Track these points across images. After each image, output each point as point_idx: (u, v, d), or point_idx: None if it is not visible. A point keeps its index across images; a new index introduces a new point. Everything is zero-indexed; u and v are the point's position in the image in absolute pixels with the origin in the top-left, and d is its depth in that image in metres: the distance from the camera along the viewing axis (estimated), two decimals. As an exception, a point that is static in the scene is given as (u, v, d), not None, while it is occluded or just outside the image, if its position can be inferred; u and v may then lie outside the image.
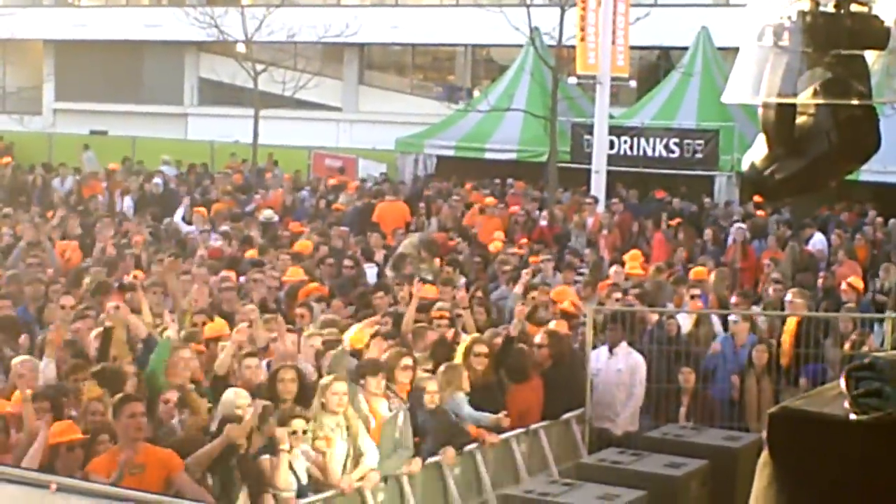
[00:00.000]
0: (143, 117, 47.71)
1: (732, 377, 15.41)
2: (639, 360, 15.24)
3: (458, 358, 13.44)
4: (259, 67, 38.23)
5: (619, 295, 17.55)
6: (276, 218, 26.43)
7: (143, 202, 30.01)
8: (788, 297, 17.30)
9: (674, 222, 25.52)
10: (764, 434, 4.32)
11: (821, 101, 6.19)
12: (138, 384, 11.73)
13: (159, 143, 42.29)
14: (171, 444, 10.65)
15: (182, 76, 50.55)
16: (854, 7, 6.07)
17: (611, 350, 15.26)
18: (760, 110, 6.36)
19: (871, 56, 6.32)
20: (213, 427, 10.87)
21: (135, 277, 17.29)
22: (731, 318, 16.75)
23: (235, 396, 11.13)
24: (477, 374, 13.37)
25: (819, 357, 15.60)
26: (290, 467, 10.65)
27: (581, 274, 20.29)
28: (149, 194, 30.98)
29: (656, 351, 15.64)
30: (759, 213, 27.47)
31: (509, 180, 33.31)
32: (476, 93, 43.05)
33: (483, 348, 13.57)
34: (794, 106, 6.09)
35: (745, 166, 6.42)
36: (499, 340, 14.26)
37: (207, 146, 41.85)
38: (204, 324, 14.43)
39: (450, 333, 14.56)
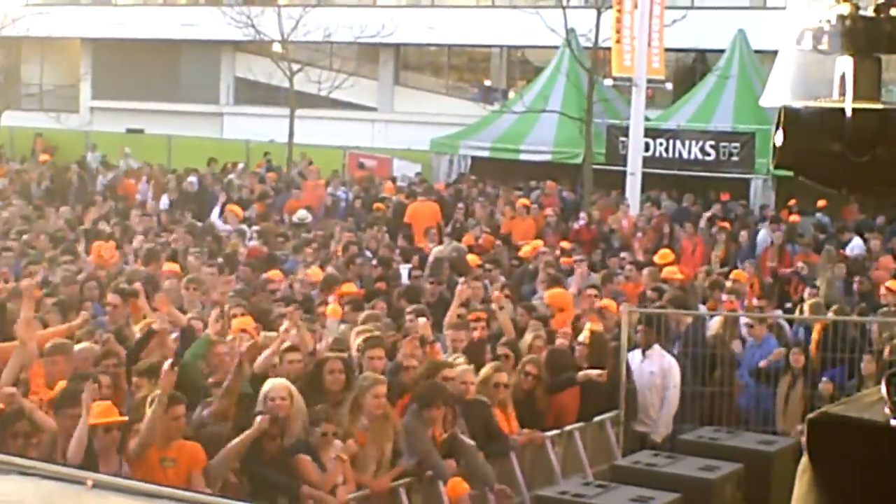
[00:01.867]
0: (179, 116, 47.80)
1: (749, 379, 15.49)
2: (672, 363, 15.21)
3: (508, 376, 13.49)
4: (295, 67, 38.25)
5: (653, 297, 17.61)
6: (309, 218, 26.45)
7: (179, 201, 30.14)
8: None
9: (713, 227, 25.43)
10: (803, 439, 4.31)
11: (870, 105, 6.18)
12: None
13: (195, 141, 42.41)
14: (201, 437, 10.75)
15: (218, 75, 50.64)
16: (894, 11, 6.06)
17: (644, 353, 15.25)
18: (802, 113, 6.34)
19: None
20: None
21: (171, 272, 17.47)
22: (743, 320, 16.81)
23: (276, 388, 11.09)
24: (523, 389, 13.47)
25: (852, 361, 15.58)
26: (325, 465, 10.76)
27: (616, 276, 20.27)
28: (184, 193, 31.12)
29: (691, 354, 15.64)
30: (793, 217, 27.39)
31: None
32: (511, 94, 43.07)
33: (534, 369, 13.67)
34: (836, 111, 6.07)
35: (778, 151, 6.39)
36: (539, 341, 14.38)
37: (243, 145, 41.94)
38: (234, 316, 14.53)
39: (484, 333, 14.68)
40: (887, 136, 6.21)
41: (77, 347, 12.48)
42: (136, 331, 13.30)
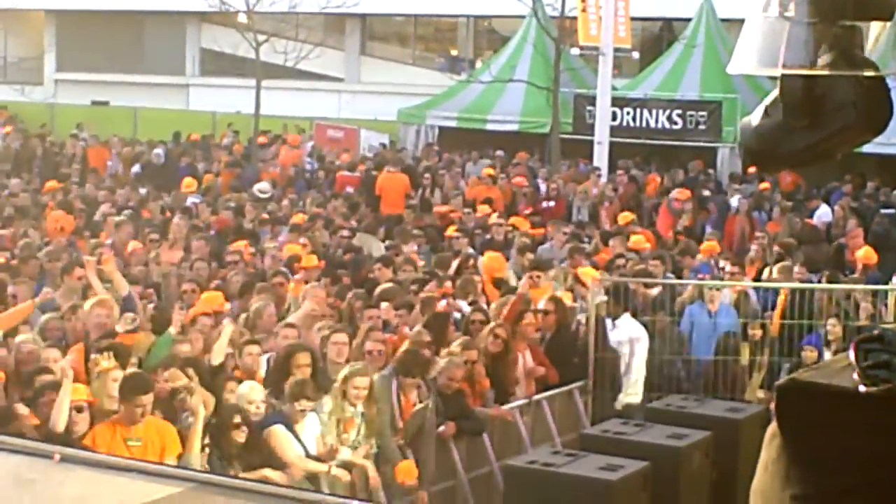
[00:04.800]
0: (144, 88, 47.59)
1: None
2: (641, 332, 15.26)
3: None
4: (261, 38, 37.94)
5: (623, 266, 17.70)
6: (269, 191, 26.34)
7: (146, 173, 30.10)
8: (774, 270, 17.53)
9: (679, 196, 25.48)
10: (772, 406, 4.32)
11: (838, 72, 6.17)
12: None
13: (161, 113, 42.25)
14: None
15: (183, 46, 50.37)
16: (862, -22, 6.06)
17: (613, 322, 15.28)
18: (776, 81, 6.33)
19: (875, 27, 6.31)
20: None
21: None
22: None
23: (250, 390, 11.23)
24: (492, 353, 13.51)
25: (819, 328, 15.68)
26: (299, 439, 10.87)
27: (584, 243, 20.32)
28: (151, 165, 31.06)
29: (660, 322, 15.69)
30: (762, 185, 27.47)
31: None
32: (478, 64, 42.99)
33: (503, 332, 13.69)
34: (806, 77, 6.07)
35: (744, 136, 6.39)
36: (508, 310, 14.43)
37: (209, 117, 41.82)
38: (193, 291, 14.66)
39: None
40: (825, 103, 6.19)
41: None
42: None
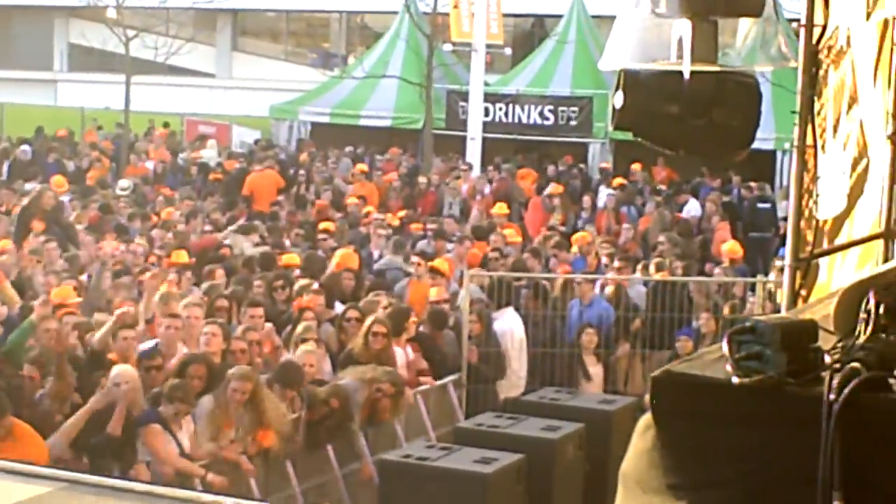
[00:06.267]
0: (11, 83, 46.77)
1: (587, 334, 15.67)
2: (517, 324, 15.39)
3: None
4: (130, 33, 37.69)
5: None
6: (132, 188, 26.16)
7: (14, 170, 29.64)
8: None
9: (556, 191, 25.69)
10: (646, 397, 4.35)
11: (708, 67, 6.24)
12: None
13: (29, 109, 41.61)
14: (35, 417, 10.65)
15: (51, 41, 49.75)
16: (729, -25, 6.14)
17: (493, 316, 15.43)
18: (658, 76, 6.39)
19: (745, 23, 6.39)
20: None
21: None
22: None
23: (122, 374, 11.11)
24: (374, 350, 13.52)
25: (693, 319, 15.95)
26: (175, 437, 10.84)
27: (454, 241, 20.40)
28: (18, 162, 30.59)
29: (533, 315, 15.82)
30: (630, 178, 27.77)
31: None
32: (351, 59, 42.99)
33: (382, 328, 13.64)
34: (676, 73, 6.14)
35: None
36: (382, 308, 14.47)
37: (78, 112, 41.26)
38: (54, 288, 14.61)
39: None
40: (723, 98, 6.29)
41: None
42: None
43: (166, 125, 37.56)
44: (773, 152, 27.66)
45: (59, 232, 19.75)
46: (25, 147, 31.91)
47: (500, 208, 23.31)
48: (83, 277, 16.09)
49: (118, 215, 22.04)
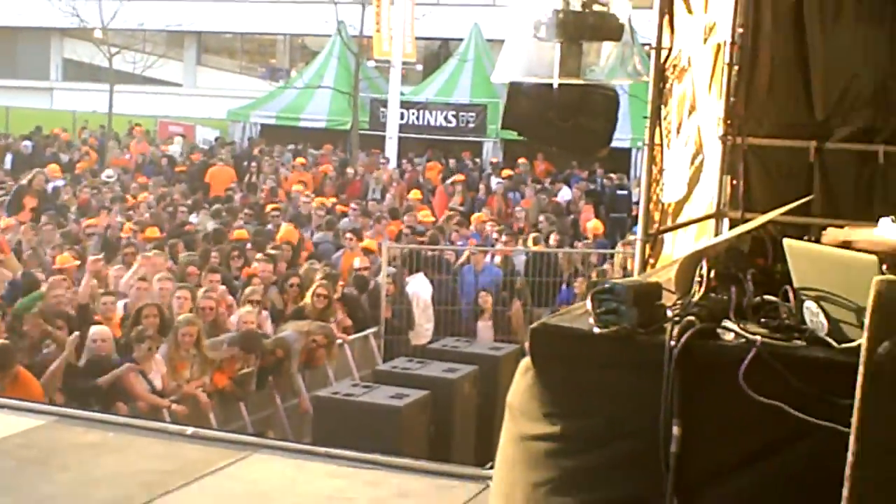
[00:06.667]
0: (14, 90, 45.86)
1: (482, 296, 15.69)
2: (425, 287, 15.45)
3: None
4: (113, 50, 37.34)
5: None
6: (115, 177, 25.90)
7: (17, 162, 29.20)
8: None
9: (458, 179, 25.77)
10: (526, 345, 4.35)
11: (578, 81, 6.23)
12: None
13: (29, 112, 40.90)
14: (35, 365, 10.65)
15: (49, 56, 48.84)
16: (596, 7, 6.12)
17: (405, 279, 15.50)
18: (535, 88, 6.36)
19: (608, 46, 6.39)
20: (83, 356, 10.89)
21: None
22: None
23: (98, 333, 11.10)
24: (319, 308, 13.50)
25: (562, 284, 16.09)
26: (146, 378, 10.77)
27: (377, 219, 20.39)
28: (21, 155, 30.15)
29: (438, 280, 15.86)
30: (510, 171, 27.86)
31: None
32: (293, 73, 42.55)
33: (324, 291, 13.73)
34: (551, 86, 6.13)
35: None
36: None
37: (70, 115, 40.64)
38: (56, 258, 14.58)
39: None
40: (588, 106, 6.28)
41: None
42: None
43: (139, 126, 37.05)
44: (630, 149, 27.79)
45: (53, 210, 19.57)
46: (27, 143, 31.51)
47: (416, 194, 23.42)
48: (77, 247, 15.94)
49: (103, 198, 21.80)
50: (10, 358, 10.14)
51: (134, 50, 40.79)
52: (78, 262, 14.15)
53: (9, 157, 29.85)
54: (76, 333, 10.96)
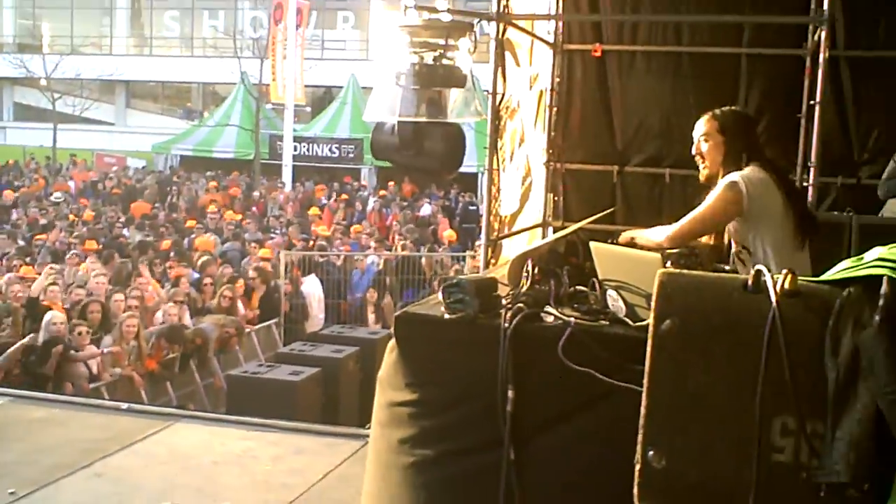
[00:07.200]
0: (-27, 129, 44.32)
1: (370, 292, 15.63)
2: (317, 286, 15.33)
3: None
4: (56, 95, 36.34)
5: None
6: (62, 198, 25.16)
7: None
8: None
9: (341, 198, 25.65)
10: (392, 329, 4.36)
11: (431, 120, 6.24)
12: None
13: (-15, 147, 39.59)
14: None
15: (1, 100, 47.06)
16: (445, 61, 6.16)
17: (301, 280, 15.32)
18: (391, 127, 6.36)
19: (455, 92, 6.44)
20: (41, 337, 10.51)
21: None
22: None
23: (54, 317, 10.74)
24: (224, 306, 13.32)
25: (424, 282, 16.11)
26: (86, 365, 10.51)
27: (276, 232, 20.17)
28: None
29: (327, 279, 15.77)
30: (387, 191, 27.84)
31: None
32: (206, 114, 41.78)
33: (229, 293, 13.64)
34: (411, 123, 6.13)
35: (380, 157, 6.43)
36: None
37: (20, 149, 39.29)
38: (21, 266, 13.97)
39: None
40: (423, 139, 6.26)
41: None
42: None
43: (78, 157, 35.97)
44: (476, 173, 27.96)
45: (9, 227, 18.92)
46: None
47: (314, 210, 23.13)
48: (28, 259, 15.43)
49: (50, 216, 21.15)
50: None
51: (73, 95, 39.57)
52: (30, 267, 13.74)
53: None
54: (33, 334, 10.57)
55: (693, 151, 4.55)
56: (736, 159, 4.36)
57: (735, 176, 4.29)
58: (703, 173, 4.51)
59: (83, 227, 19.51)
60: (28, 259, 15.35)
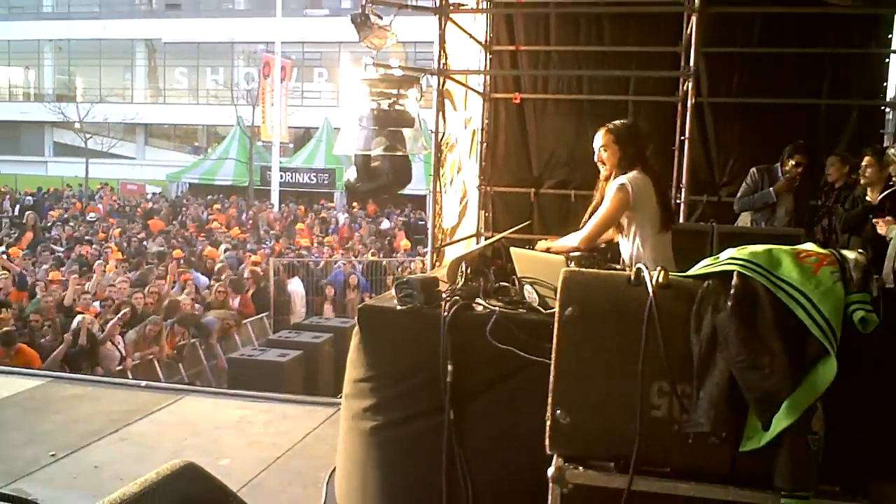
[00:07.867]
0: (21, 163, 43.10)
1: (328, 288, 15.54)
2: (300, 286, 15.20)
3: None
4: (88, 136, 35.73)
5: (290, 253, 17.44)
6: (96, 218, 24.73)
7: (23, 209, 27.48)
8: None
9: (317, 216, 25.44)
10: (356, 318, 4.34)
11: (385, 153, 6.22)
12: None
13: (31, 177, 38.58)
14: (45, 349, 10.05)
15: (43, 140, 46.05)
16: (398, 106, 6.16)
17: (288, 281, 15.17)
18: (355, 157, 6.34)
19: (407, 131, 6.45)
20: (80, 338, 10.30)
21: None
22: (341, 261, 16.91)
23: (85, 320, 10.48)
24: (219, 301, 13.08)
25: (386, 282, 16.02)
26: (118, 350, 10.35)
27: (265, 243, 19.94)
28: (25, 204, 28.43)
29: (308, 280, 15.64)
30: (355, 210, 27.67)
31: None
32: (209, 150, 41.34)
33: (224, 290, 13.33)
34: (369, 156, 6.13)
35: (346, 181, 6.42)
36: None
37: (59, 179, 38.53)
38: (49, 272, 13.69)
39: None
40: (391, 169, 6.24)
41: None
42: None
43: (104, 185, 35.33)
44: (424, 195, 27.95)
45: (46, 243, 18.47)
46: (29, 197, 29.77)
47: (300, 227, 22.83)
48: (62, 269, 15.07)
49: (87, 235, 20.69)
50: (14, 338, 9.52)
51: (102, 135, 38.89)
52: (63, 278, 13.35)
53: (17, 207, 28.11)
54: (83, 317, 10.32)
55: (595, 159, 4.61)
56: (628, 163, 4.45)
57: (623, 179, 4.42)
58: (602, 174, 4.60)
59: (111, 241, 19.17)
60: (62, 268, 15.02)
